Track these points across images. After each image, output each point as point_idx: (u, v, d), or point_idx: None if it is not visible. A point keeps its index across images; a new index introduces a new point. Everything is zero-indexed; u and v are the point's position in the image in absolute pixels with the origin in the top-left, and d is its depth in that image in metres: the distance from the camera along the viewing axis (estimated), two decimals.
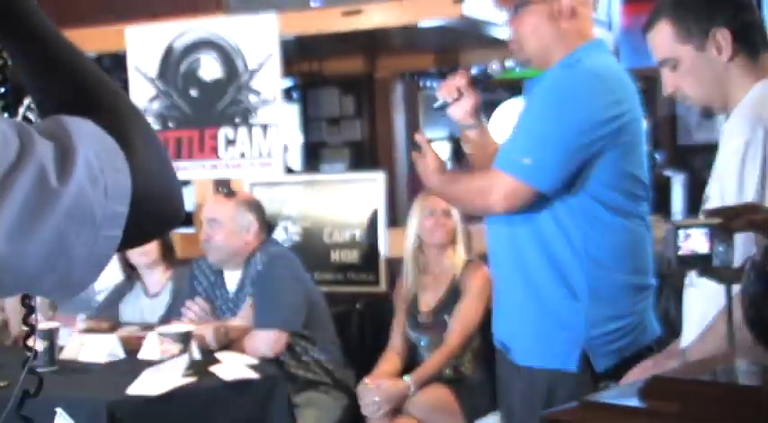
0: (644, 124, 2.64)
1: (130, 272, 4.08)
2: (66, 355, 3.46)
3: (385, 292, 4.21)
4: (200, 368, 3.19)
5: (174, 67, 4.39)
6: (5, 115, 0.95)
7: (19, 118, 0.97)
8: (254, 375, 3.20)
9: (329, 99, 5.76)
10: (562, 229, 2.50)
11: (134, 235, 0.83)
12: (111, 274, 4.07)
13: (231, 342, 3.55)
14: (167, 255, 4.01)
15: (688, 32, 2.09)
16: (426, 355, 3.69)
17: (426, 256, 3.77)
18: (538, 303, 2.54)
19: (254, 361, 3.34)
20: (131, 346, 3.58)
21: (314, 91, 5.80)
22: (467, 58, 4.95)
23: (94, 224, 0.79)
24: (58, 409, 2.80)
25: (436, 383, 3.60)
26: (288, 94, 5.88)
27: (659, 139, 6.30)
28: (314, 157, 5.90)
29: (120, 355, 3.52)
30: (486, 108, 6.43)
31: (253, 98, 4.26)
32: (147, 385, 2.97)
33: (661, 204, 4.57)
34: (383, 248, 4.29)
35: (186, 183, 4.54)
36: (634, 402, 1.27)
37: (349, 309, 4.17)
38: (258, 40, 4.20)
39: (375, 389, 3.59)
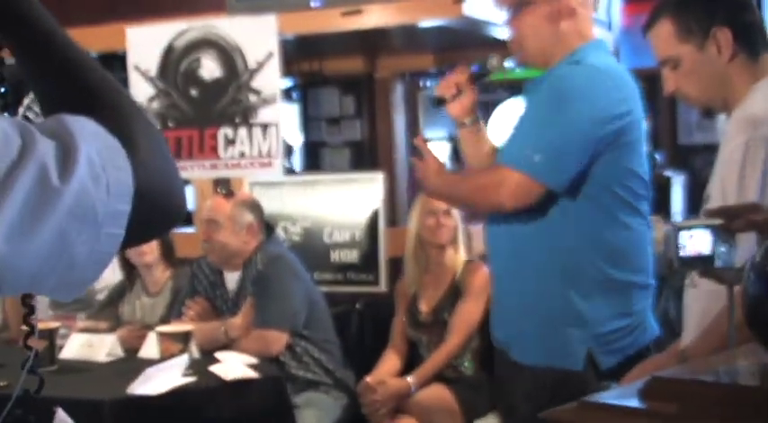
0: (644, 124, 2.64)
1: (130, 271, 4.08)
2: (65, 354, 3.47)
3: (385, 291, 4.21)
4: (200, 368, 3.19)
5: (174, 66, 4.39)
6: (5, 114, 0.95)
7: (19, 117, 0.97)
8: (254, 375, 3.20)
9: (329, 99, 5.76)
10: (567, 227, 2.50)
11: (136, 233, 0.83)
12: (111, 274, 4.07)
13: (231, 342, 3.55)
14: (167, 254, 4.01)
15: (689, 32, 2.09)
16: (426, 355, 3.69)
17: (427, 256, 3.77)
18: (542, 302, 2.54)
19: (254, 361, 3.34)
20: (131, 345, 3.58)
21: (314, 91, 5.80)
22: (467, 58, 4.94)
23: (96, 222, 0.79)
24: (58, 409, 2.80)
25: (436, 383, 3.60)
26: (288, 93, 5.87)
27: (659, 139, 6.29)
28: (314, 156, 5.90)
29: (120, 354, 3.53)
30: (487, 108, 6.44)
31: (253, 98, 4.26)
32: (147, 385, 2.97)
33: (661, 204, 4.57)
34: (383, 248, 4.29)
35: (186, 182, 4.54)
36: (633, 403, 1.27)
37: (349, 309, 4.17)
38: (258, 40, 4.20)
39: (375, 388, 3.60)
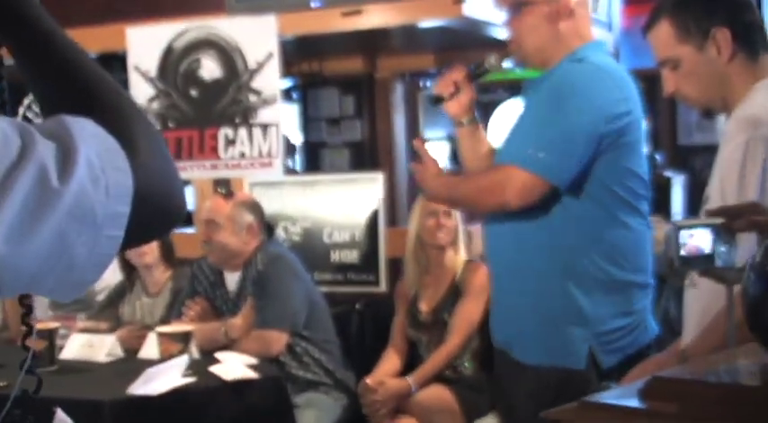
0: (644, 124, 2.65)
1: (130, 272, 4.08)
2: (65, 354, 3.47)
3: (385, 292, 4.21)
4: (200, 368, 3.19)
5: (173, 66, 4.39)
6: (5, 115, 0.95)
7: (19, 118, 0.97)
8: (254, 376, 3.20)
9: (329, 99, 5.75)
10: (567, 226, 2.50)
11: (136, 234, 0.83)
12: (111, 274, 4.07)
13: (231, 342, 3.55)
14: (167, 255, 4.01)
15: (688, 32, 2.09)
16: (426, 355, 3.69)
17: (427, 257, 3.77)
18: (543, 301, 2.54)
19: (254, 361, 3.35)
20: (131, 345, 3.58)
21: (314, 91, 5.80)
22: (467, 58, 4.94)
23: (96, 224, 0.79)
24: (58, 409, 2.80)
25: (436, 383, 3.61)
26: (288, 94, 5.88)
27: (659, 140, 6.29)
28: (314, 157, 5.90)
29: (120, 354, 3.53)
30: (487, 108, 6.44)
31: (253, 98, 4.26)
32: (147, 385, 2.97)
33: (661, 205, 4.57)
34: (383, 249, 4.29)
35: (186, 183, 4.54)
36: (634, 403, 1.27)
37: (349, 309, 4.17)
38: (258, 40, 4.20)
39: (376, 388, 3.60)
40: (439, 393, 3.58)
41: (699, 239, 1.48)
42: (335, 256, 4.39)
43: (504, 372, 2.72)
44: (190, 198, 4.63)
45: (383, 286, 4.27)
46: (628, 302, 2.54)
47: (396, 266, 4.14)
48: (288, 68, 4.85)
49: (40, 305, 3.94)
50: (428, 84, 5.63)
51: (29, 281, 0.78)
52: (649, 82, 3.71)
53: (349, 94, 5.67)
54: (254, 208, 3.82)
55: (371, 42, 4.91)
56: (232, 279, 3.77)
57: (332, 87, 5.68)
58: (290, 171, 5.09)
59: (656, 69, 2.21)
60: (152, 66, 4.41)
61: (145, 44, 4.41)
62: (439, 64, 5.17)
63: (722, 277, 1.49)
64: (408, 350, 3.80)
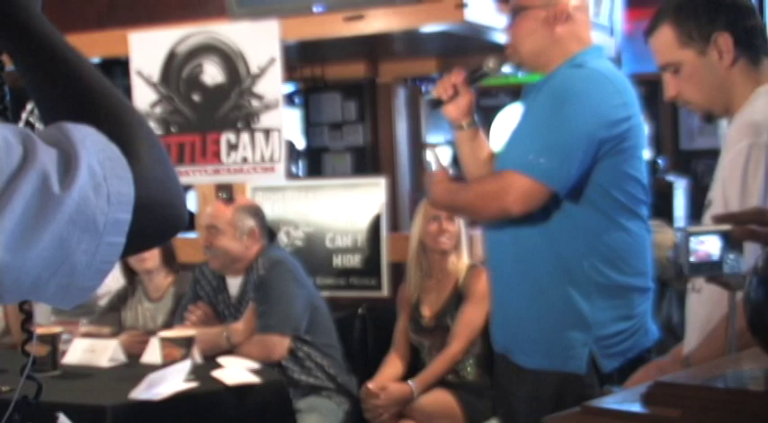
0: (645, 129, 2.65)
1: (132, 277, 4.08)
2: (68, 359, 3.47)
3: (387, 296, 4.21)
4: (202, 373, 3.19)
5: (176, 71, 4.39)
6: (7, 121, 0.95)
7: (22, 122, 0.97)
8: (256, 380, 3.20)
9: (331, 104, 5.76)
10: (568, 231, 2.50)
11: (137, 242, 0.84)
12: (113, 280, 4.07)
13: (233, 347, 3.55)
14: (169, 260, 4.01)
15: (689, 37, 2.09)
16: (429, 360, 3.69)
17: (429, 261, 3.77)
18: (544, 305, 2.54)
19: (257, 366, 3.34)
20: (133, 350, 3.58)
21: (316, 96, 5.80)
22: (469, 63, 4.94)
23: (97, 231, 0.79)
24: (60, 414, 2.80)
25: (438, 388, 3.60)
26: (290, 99, 5.88)
27: (662, 145, 6.30)
28: (316, 162, 5.90)
29: (123, 359, 3.53)
30: (489, 113, 6.45)
31: (255, 103, 4.26)
32: (150, 390, 2.97)
33: (663, 209, 4.57)
34: (385, 253, 4.29)
35: (188, 188, 4.54)
36: (636, 408, 1.27)
37: (351, 314, 4.17)
38: (260, 45, 4.21)
39: (378, 393, 3.60)
40: (441, 398, 3.58)
41: (708, 246, 1.48)
42: (338, 261, 4.39)
43: (505, 376, 2.72)
44: (192, 203, 4.63)
45: (385, 291, 4.27)
46: (628, 306, 2.54)
47: (398, 271, 4.14)
48: (290, 73, 4.86)
49: (43, 310, 3.94)
50: (431, 89, 5.63)
51: (30, 287, 0.79)
52: (651, 87, 3.72)
53: (351, 99, 5.67)
54: (256, 213, 3.83)
55: (374, 47, 4.92)
56: (234, 284, 3.77)
57: (334, 92, 5.68)
58: (292, 176, 5.09)
59: (657, 74, 2.21)
60: (154, 71, 4.41)
61: (147, 49, 4.42)
62: (441, 69, 5.17)
63: (728, 284, 1.49)
64: (411, 355, 3.80)
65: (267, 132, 4.25)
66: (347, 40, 4.20)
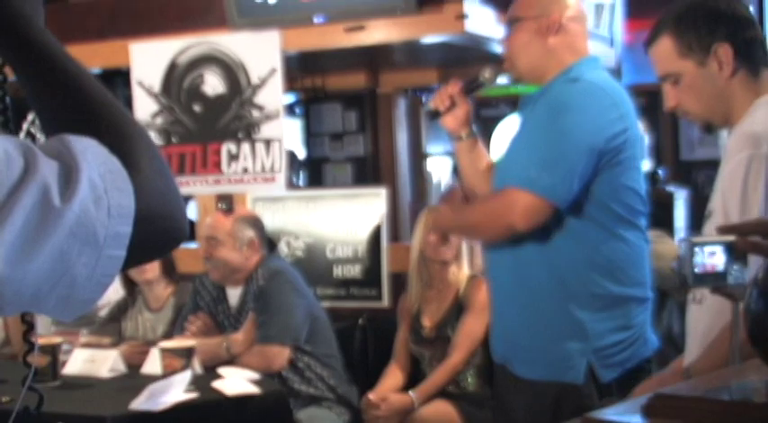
0: (645, 140, 2.66)
1: (132, 287, 4.08)
2: (68, 370, 3.46)
3: (388, 307, 4.21)
4: (202, 383, 3.18)
5: (177, 82, 4.40)
6: (8, 133, 0.96)
7: (23, 133, 0.97)
8: (256, 391, 3.19)
9: (332, 114, 5.77)
10: (566, 243, 2.50)
11: (137, 254, 0.84)
12: (113, 290, 4.07)
13: (233, 357, 3.54)
14: (169, 271, 4.01)
15: (689, 48, 2.10)
16: (429, 371, 3.69)
17: (430, 272, 3.76)
18: (542, 316, 2.55)
19: (257, 376, 3.34)
20: (134, 361, 3.58)
21: (317, 106, 5.81)
22: (469, 73, 4.94)
23: (97, 244, 0.79)
24: None
25: (439, 399, 3.60)
26: (291, 109, 5.89)
27: (662, 155, 6.30)
28: (317, 172, 5.91)
29: (123, 370, 3.52)
30: (489, 123, 6.45)
31: (256, 113, 4.27)
32: (150, 401, 2.96)
33: (664, 220, 4.57)
34: (386, 264, 4.29)
35: (189, 198, 4.55)
36: (637, 419, 1.27)
37: (352, 324, 4.16)
38: (261, 56, 4.21)
39: (378, 404, 3.59)
40: (442, 409, 3.57)
41: (713, 257, 1.49)
42: (338, 272, 4.39)
43: (504, 387, 2.72)
44: (192, 213, 4.63)
45: (386, 301, 4.26)
46: (626, 317, 2.54)
47: (398, 282, 4.14)
48: (291, 84, 4.86)
49: (43, 321, 3.94)
50: (430, 99, 5.65)
51: (30, 300, 0.79)
52: (651, 97, 3.72)
53: (352, 110, 5.68)
54: (255, 223, 3.82)
55: (374, 58, 4.93)
56: (234, 294, 3.77)
57: (335, 102, 5.69)
58: (292, 186, 5.09)
59: (658, 85, 2.22)
60: (155, 81, 4.42)
61: (148, 60, 4.43)
62: (441, 79, 5.18)
63: (733, 295, 1.49)
64: (411, 365, 3.80)
65: (268, 143, 4.26)
66: (348, 50, 4.21)
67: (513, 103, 5.94)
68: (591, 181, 2.47)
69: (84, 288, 0.80)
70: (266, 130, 4.26)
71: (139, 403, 2.95)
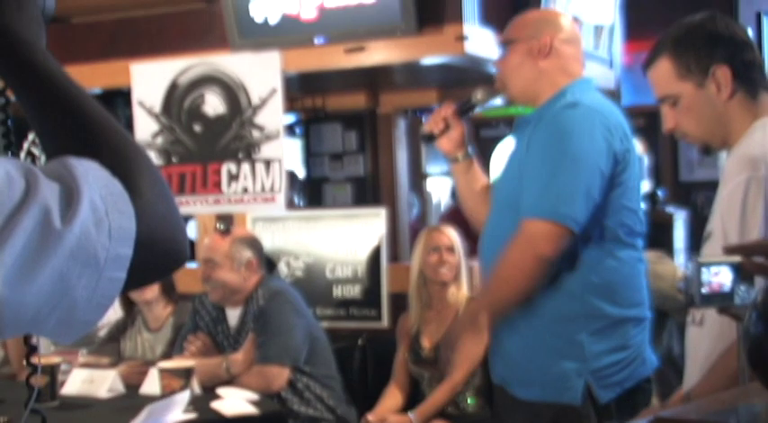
0: (644, 160, 2.66)
1: (131, 307, 4.08)
2: (67, 390, 3.45)
3: (387, 327, 4.20)
4: (201, 404, 3.17)
5: (178, 102, 4.42)
6: (8, 154, 0.96)
7: (23, 152, 0.98)
8: (255, 411, 3.18)
9: (332, 134, 5.78)
10: (563, 264, 2.50)
11: (138, 277, 0.84)
12: (112, 310, 4.06)
13: (233, 377, 3.53)
14: (168, 290, 4.01)
15: (688, 70, 2.10)
16: (428, 391, 3.68)
17: (429, 292, 3.76)
18: (539, 337, 2.54)
19: (256, 397, 3.33)
20: (132, 381, 3.57)
21: (317, 126, 5.82)
22: (469, 94, 4.96)
23: (98, 266, 0.79)
24: None
25: (438, 419, 3.59)
26: (291, 129, 5.90)
27: (661, 176, 6.31)
28: (316, 192, 5.91)
29: (121, 390, 3.51)
30: (489, 144, 6.46)
31: (256, 134, 4.28)
32: (148, 421, 2.95)
33: (663, 241, 4.57)
34: (385, 284, 4.28)
35: (188, 217, 4.55)
36: None
37: (351, 344, 4.15)
38: (262, 76, 4.23)
39: None
40: None
41: (719, 277, 1.49)
42: (338, 292, 4.39)
43: (503, 408, 2.71)
44: (192, 233, 4.63)
45: (385, 322, 4.26)
46: (623, 337, 2.54)
47: (398, 302, 4.13)
48: (291, 104, 4.88)
49: (42, 340, 3.93)
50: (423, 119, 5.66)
51: (29, 322, 0.79)
52: (650, 118, 3.73)
53: (352, 130, 5.69)
54: (253, 243, 3.82)
55: (374, 78, 4.94)
56: (233, 314, 3.77)
57: (335, 123, 5.70)
58: (293, 206, 5.10)
59: (657, 106, 2.23)
60: (156, 101, 4.43)
61: (149, 80, 4.44)
62: (441, 100, 5.20)
63: (738, 315, 1.49)
64: (410, 386, 3.79)
65: (268, 163, 4.27)
66: (348, 71, 4.22)
67: (512, 123, 5.95)
68: (601, 203, 2.48)
69: (83, 310, 0.80)
70: (266, 151, 4.26)
71: None
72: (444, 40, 3.86)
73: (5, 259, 0.74)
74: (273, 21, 4.09)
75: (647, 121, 5.18)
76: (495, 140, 6.60)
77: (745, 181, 1.93)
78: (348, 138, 5.72)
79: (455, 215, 3.35)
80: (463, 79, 4.64)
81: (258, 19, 4.10)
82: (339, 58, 4.05)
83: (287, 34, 4.09)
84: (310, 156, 5.92)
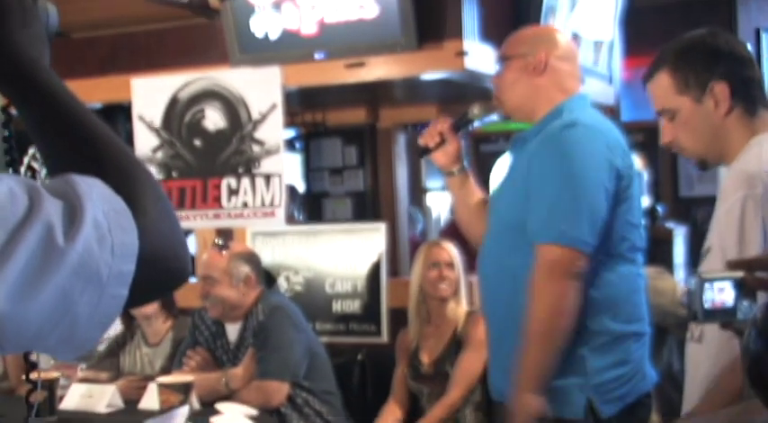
0: (644, 176, 2.67)
1: (130, 322, 4.07)
2: (65, 405, 3.45)
3: (387, 342, 4.19)
4: (200, 419, 3.17)
5: (178, 117, 4.42)
6: (10, 170, 0.96)
7: (23, 167, 0.98)
8: None
9: (332, 149, 5.79)
10: None
11: (140, 294, 0.84)
12: (111, 325, 4.05)
13: (232, 393, 3.53)
14: (167, 305, 4.01)
15: (686, 84, 2.11)
16: (428, 407, 3.67)
17: (428, 308, 3.76)
18: None
19: (255, 412, 3.33)
20: (131, 396, 3.56)
21: (317, 141, 5.83)
22: (466, 109, 4.96)
23: (100, 283, 0.80)
24: None
25: None
26: (291, 144, 5.91)
27: (661, 192, 6.32)
28: (316, 206, 5.91)
29: (120, 405, 3.50)
30: (488, 159, 6.46)
31: (256, 148, 4.28)
32: None
33: (663, 256, 4.57)
34: (385, 299, 4.28)
35: (188, 232, 4.55)
36: None
37: (350, 359, 4.15)
38: (262, 91, 4.24)
39: None
40: None
41: (722, 292, 1.49)
42: (337, 307, 4.38)
43: None
44: (192, 248, 4.63)
45: (385, 337, 4.25)
46: (624, 352, 2.54)
47: (397, 317, 4.13)
48: (291, 119, 4.88)
49: (41, 355, 3.92)
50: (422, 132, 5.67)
51: (31, 338, 0.79)
52: (650, 134, 3.73)
53: (352, 145, 5.70)
54: (250, 259, 3.81)
55: (374, 94, 4.95)
56: (233, 329, 3.76)
57: (335, 138, 5.71)
58: (293, 220, 5.10)
59: (656, 122, 2.23)
60: (156, 116, 4.44)
61: (150, 94, 4.45)
62: (441, 115, 5.21)
63: (741, 331, 1.49)
64: (410, 402, 3.78)
65: (268, 177, 4.27)
66: (348, 86, 4.23)
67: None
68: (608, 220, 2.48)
69: (85, 327, 0.80)
70: (266, 165, 4.27)
71: None
72: (444, 55, 3.87)
73: (8, 276, 0.74)
74: (274, 36, 4.10)
75: (646, 137, 5.18)
76: (494, 155, 6.60)
77: (741, 199, 1.93)
78: (348, 152, 5.73)
79: (454, 230, 3.35)
80: (463, 95, 4.65)
81: (259, 34, 4.11)
82: (339, 74, 4.06)
83: (287, 49, 4.10)
84: (310, 170, 5.93)
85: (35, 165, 4.35)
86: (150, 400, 3.39)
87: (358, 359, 4.17)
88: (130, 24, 4.50)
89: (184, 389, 3.28)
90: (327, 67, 4.07)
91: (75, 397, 3.50)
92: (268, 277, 3.96)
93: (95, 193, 0.82)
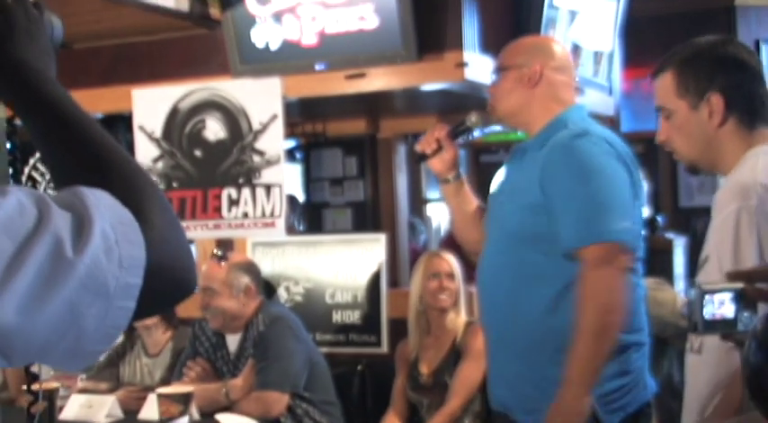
0: (644, 186, 2.68)
1: (130, 332, 4.07)
2: (65, 415, 3.44)
3: (386, 353, 4.19)
4: None
5: (179, 127, 4.43)
6: (11, 181, 0.97)
7: (24, 177, 0.99)
8: None
9: (332, 159, 5.80)
10: (567, 287, 2.50)
11: (147, 305, 0.84)
12: None
13: (232, 403, 3.52)
14: (168, 316, 4.00)
15: (686, 89, 2.12)
16: (427, 418, 3.66)
17: (428, 318, 3.76)
18: (540, 364, 2.54)
19: None
20: (131, 406, 3.56)
21: (317, 151, 5.84)
22: (464, 117, 4.96)
23: (108, 295, 0.80)
24: None
25: None
26: (291, 154, 5.92)
27: (661, 202, 6.32)
28: (316, 217, 5.92)
29: (120, 415, 3.50)
30: (489, 169, 6.46)
31: (256, 159, 4.29)
32: None
33: (663, 267, 4.57)
34: (385, 310, 4.28)
35: (189, 243, 4.55)
36: None
37: (350, 370, 4.14)
38: (262, 102, 4.24)
39: None
40: None
41: (722, 304, 1.49)
42: (337, 317, 4.38)
43: None
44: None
45: (385, 347, 4.25)
46: (626, 362, 2.54)
47: (397, 327, 4.12)
48: (292, 129, 4.89)
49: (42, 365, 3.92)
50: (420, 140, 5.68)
51: (38, 350, 0.79)
52: (650, 145, 3.74)
53: (352, 155, 5.71)
54: (250, 269, 3.81)
55: (374, 104, 4.96)
56: (233, 340, 3.76)
57: (335, 148, 5.73)
58: (293, 231, 5.10)
59: (655, 132, 2.24)
60: (157, 126, 4.45)
61: (150, 105, 4.46)
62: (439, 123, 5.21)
63: (741, 342, 1.49)
64: (409, 413, 3.77)
65: (268, 188, 4.27)
66: (348, 97, 4.24)
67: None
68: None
69: (91, 339, 0.81)
70: (267, 176, 4.27)
71: None
72: (444, 66, 3.88)
73: (17, 288, 0.75)
74: (274, 47, 4.11)
75: (646, 148, 5.19)
76: (495, 166, 6.60)
77: (735, 211, 1.93)
78: (348, 163, 5.74)
79: (454, 240, 3.35)
80: (463, 105, 4.64)
81: (259, 45, 4.12)
82: (340, 84, 4.07)
83: (288, 60, 4.11)
84: (311, 181, 5.94)
85: (36, 175, 4.36)
86: (150, 410, 3.39)
87: (358, 370, 4.16)
88: (132, 35, 4.51)
89: (184, 399, 3.28)
90: (328, 77, 4.08)
91: (74, 407, 3.49)
92: (268, 288, 3.96)
93: (103, 205, 0.82)
